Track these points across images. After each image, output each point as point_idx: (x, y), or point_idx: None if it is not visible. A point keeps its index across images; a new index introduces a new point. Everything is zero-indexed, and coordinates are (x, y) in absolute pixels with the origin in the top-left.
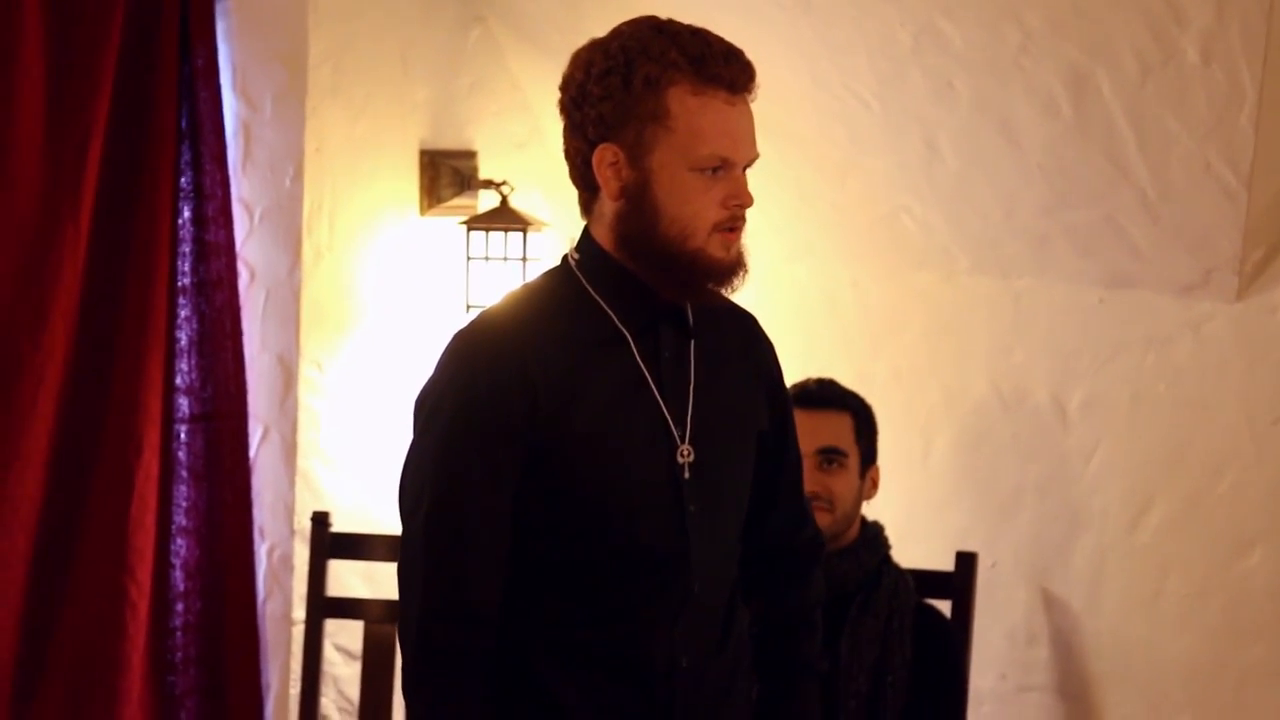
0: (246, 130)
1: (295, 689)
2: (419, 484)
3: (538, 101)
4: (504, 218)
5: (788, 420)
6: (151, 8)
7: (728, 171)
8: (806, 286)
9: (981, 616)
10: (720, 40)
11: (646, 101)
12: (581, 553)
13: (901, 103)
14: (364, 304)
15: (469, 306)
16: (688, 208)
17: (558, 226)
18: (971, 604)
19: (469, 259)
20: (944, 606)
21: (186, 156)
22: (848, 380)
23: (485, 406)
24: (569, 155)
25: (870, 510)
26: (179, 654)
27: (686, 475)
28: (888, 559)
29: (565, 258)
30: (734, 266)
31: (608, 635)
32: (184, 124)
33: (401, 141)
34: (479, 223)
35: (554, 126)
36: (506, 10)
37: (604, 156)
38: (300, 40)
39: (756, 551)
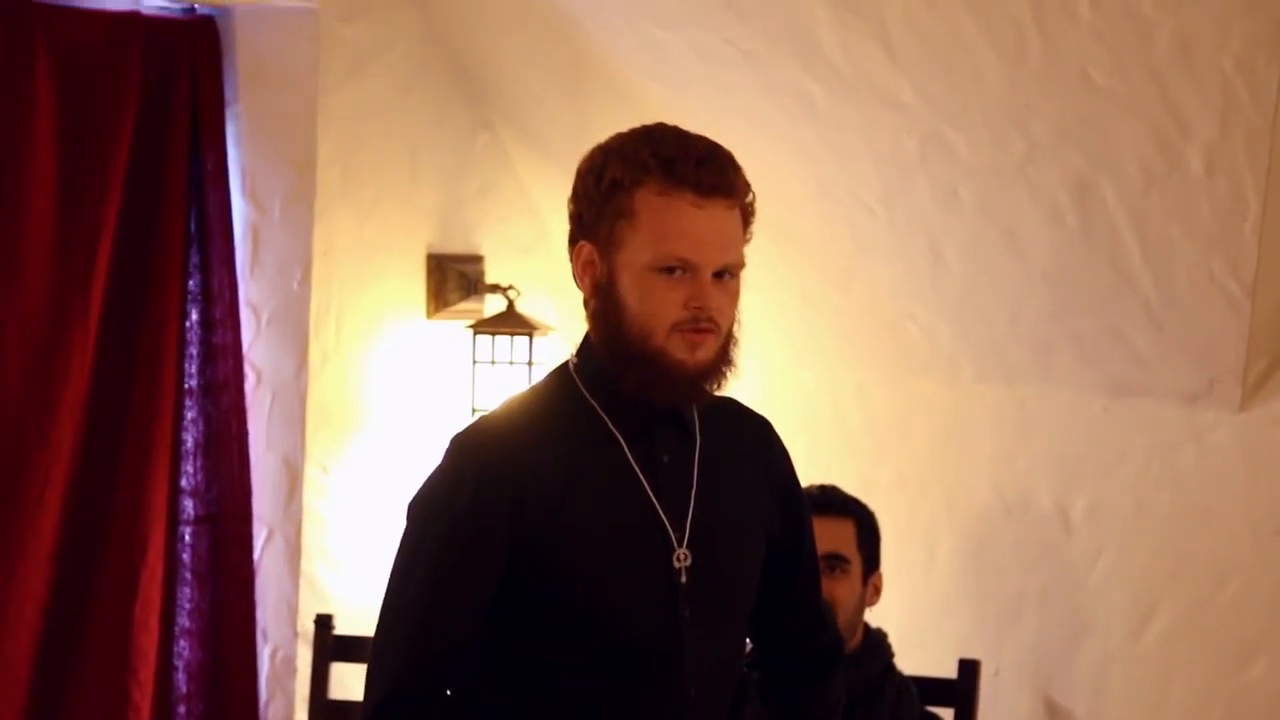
0: (255, 233)
1: None
2: (401, 579)
3: (544, 206)
4: (510, 322)
5: (804, 524)
6: (162, 111)
7: (692, 274)
8: (811, 391)
9: None
10: (705, 144)
11: (615, 201)
12: (570, 655)
13: (907, 210)
14: (370, 406)
15: (474, 410)
16: (647, 306)
17: (564, 331)
18: (975, 712)
19: (475, 363)
20: (946, 714)
21: (195, 259)
22: (851, 486)
23: (469, 512)
24: (569, 256)
25: (873, 617)
26: None
27: (683, 579)
28: (891, 667)
29: (565, 362)
30: (700, 369)
31: None
32: (193, 227)
33: (409, 245)
34: (485, 327)
35: (560, 231)
36: (514, 116)
37: (580, 254)
38: (309, 144)
39: (773, 654)
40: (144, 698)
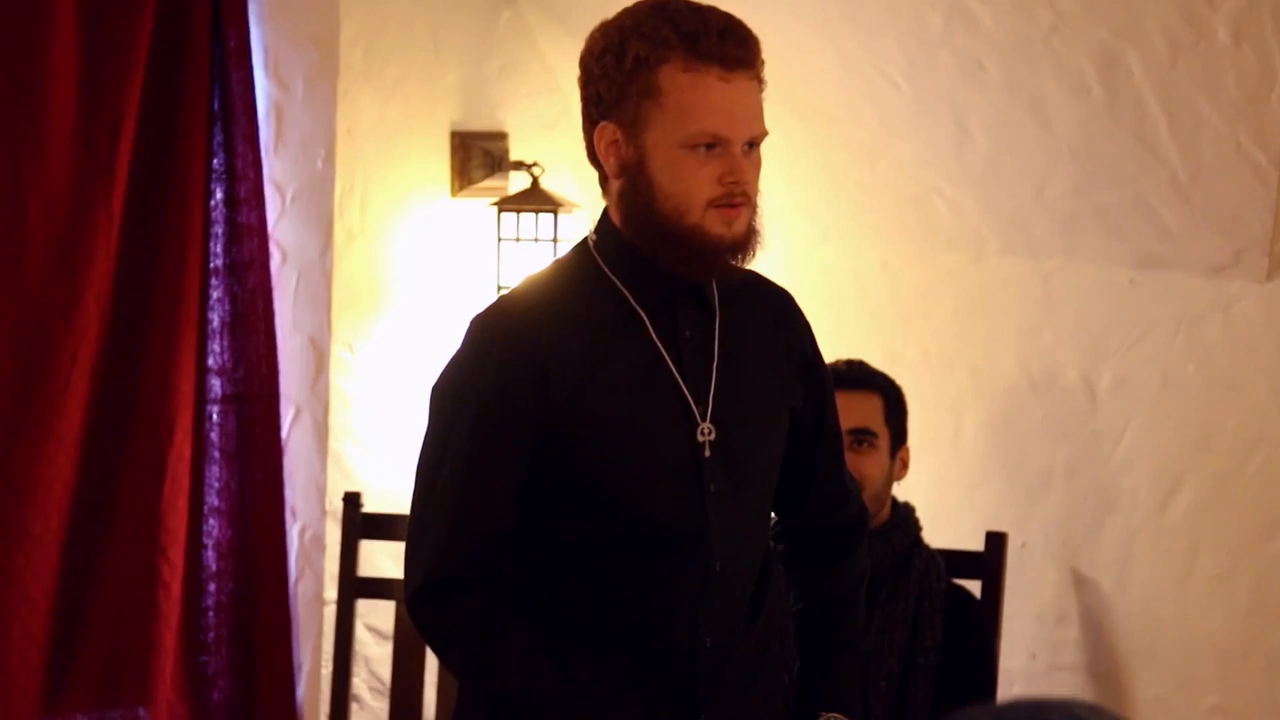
0: (278, 112)
1: (327, 669)
2: (433, 467)
3: (568, 83)
4: (535, 199)
5: (825, 397)
6: None
7: (723, 148)
8: (835, 268)
9: (1011, 597)
10: (721, 16)
11: (639, 79)
12: (598, 532)
13: (931, 84)
14: (395, 285)
15: (500, 288)
16: (681, 184)
17: (588, 208)
18: (1001, 584)
19: (500, 240)
20: (973, 586)
21: (219, 138)
22: (877, 361)
23: (496, 393)
24: (584, 135)
25: (900, 491)
26: (211, 634)
27: (707, 453)
28: (919, 541)
29: (585, 239)
30: (736, 242)
31: (627, 615)
32: (216, 106)
33: (432, 123)
34: (510, 204)
35: None
36: None
37: (604, 134)
38: (332, 22)
39: (798, 528)
40: (174, 576)
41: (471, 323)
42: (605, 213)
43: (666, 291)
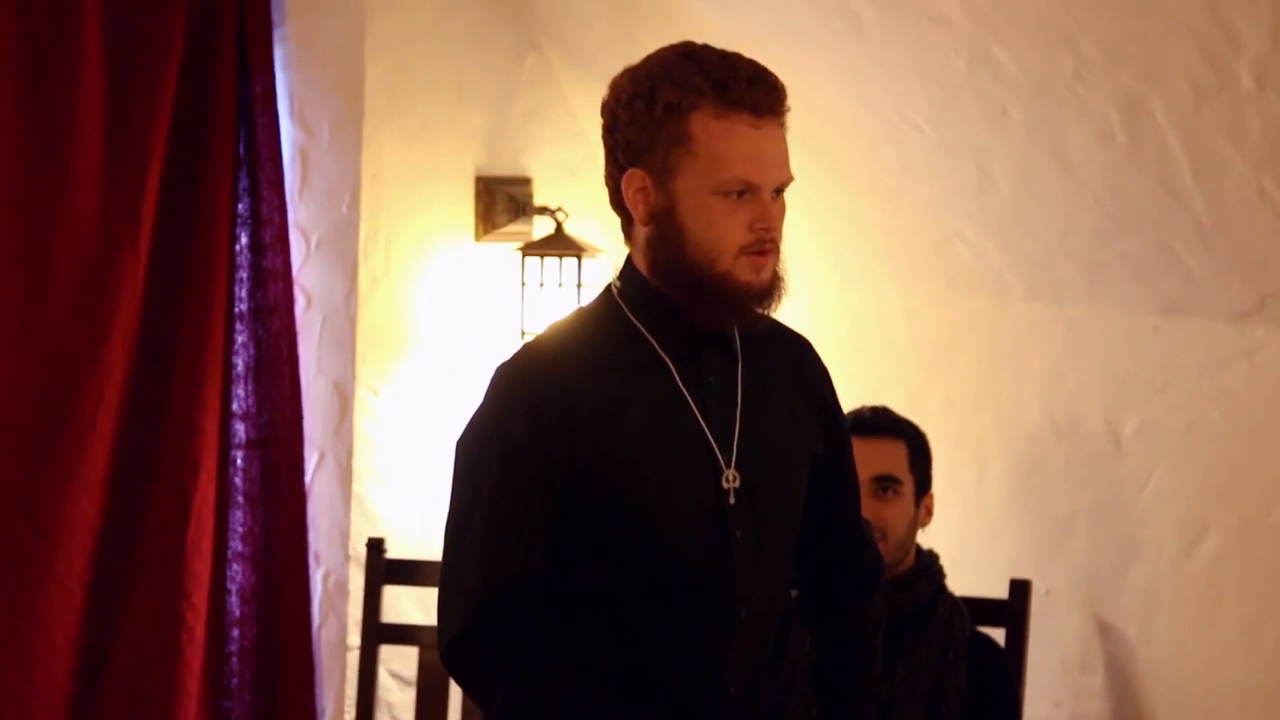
0: (304, 156)
1: (350, 715)
2: (463, 515)
3: (592, 128)
4: (559, 244)
5: (844, 443)
6: (210, 35)
7: (753, 195)
8: (859, 313)
9: (1035, 644)
10: (749, 64)
11: (669, 126)
12: (623, 579)
13: (955, 128)
14: (419, 330)
15: (524, 333)
16: (712, 232)
17: (612, 253)
18: (1025, 631)
19: (524, 285)
20: (997, 634)
21: (244, 183)
22: (901, 407)
23: (525, 441)
24: (607, 181)
25: (924, 538)
26: (234, 679)
27: (732, 500)
28: (943, 588)
29: (609, 286)
30: (765, 290)
31: (653, 663)
32: (242, 150)
33: (457, 168)
34: (534, 249)
35: None
36: (561, 37)
37: (632, 181)
38: (357, 67)
39: (815, 575)
40: (198, 621)
41: (497, 371)
42: (629, 260)
43: (691, 338)
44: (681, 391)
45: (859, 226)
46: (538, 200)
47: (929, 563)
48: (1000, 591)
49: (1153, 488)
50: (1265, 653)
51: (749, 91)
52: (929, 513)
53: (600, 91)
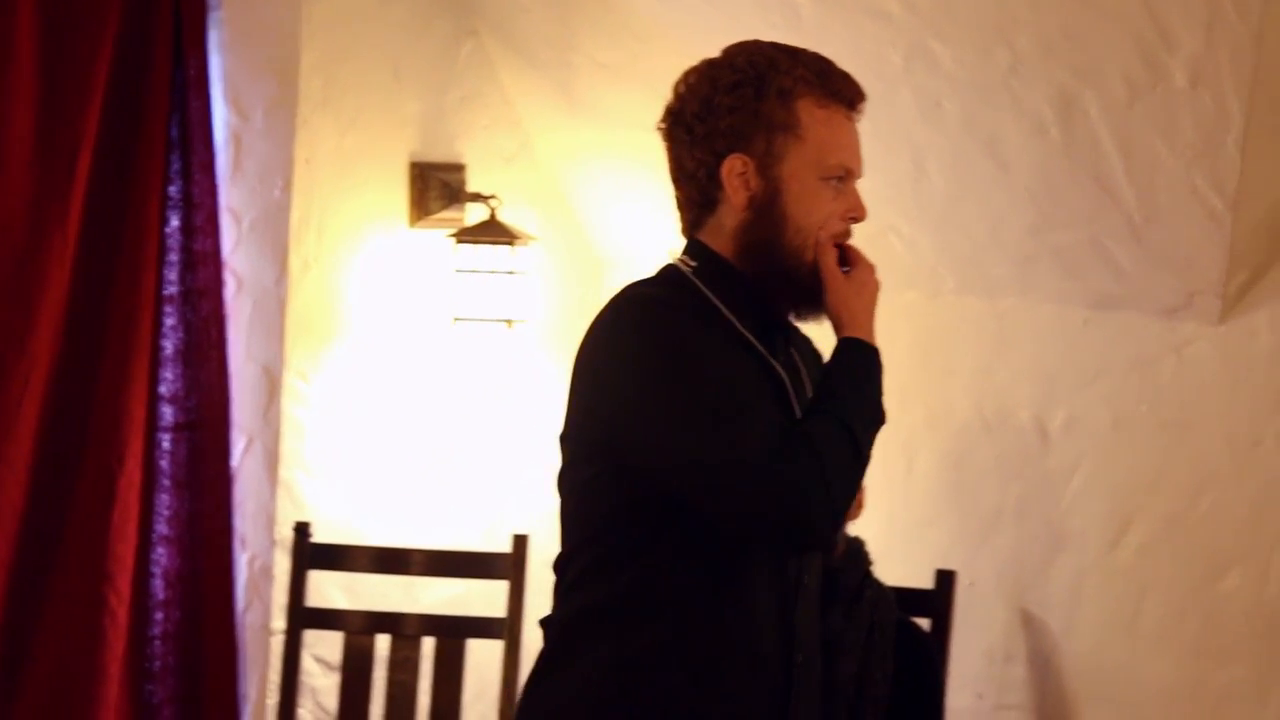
0: (237, 140)
1: (273, 699)
2: (682, 401)
3: (528, 116)
4: (492, 231)
5: None
6: (144, 17)
7: (848, 184)
8: None
9: (959, 635)
10: (829, 60)
11: (778, 112)
12: (706, 537)
13: (890, 122)
14: (350, 315)
15: (456, 319)
16: (814, 217)
17: (545, 241)
18: (950, 622)
19: (457, 271)
20: (922, 624)
21: (176, 165)
22: None
23: (703, 332)
24: (684, 173)
25: (853, 529)
26: (157, 662)
27: None
28: (869, 574)
29: (674, 265)
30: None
31: (725, 630)
32: (174, 133)
33: (391, 153)
34: (467, 236)
35: (543, 141)
36: (499, 25)
37: (733, 166)
38: (292, 51)
39: None
40: (121, 605)
41: (621, 299)
42: (698, 242)
43: (767, 320)
44: (776, 369)
45: None
46: (471, 187)
47: (856, 549)
48: (926, 582)
49: (1079, 481)
50: (1187, 645)
51: (845, 85)
52: (860, 506)
53: (537, 79)
